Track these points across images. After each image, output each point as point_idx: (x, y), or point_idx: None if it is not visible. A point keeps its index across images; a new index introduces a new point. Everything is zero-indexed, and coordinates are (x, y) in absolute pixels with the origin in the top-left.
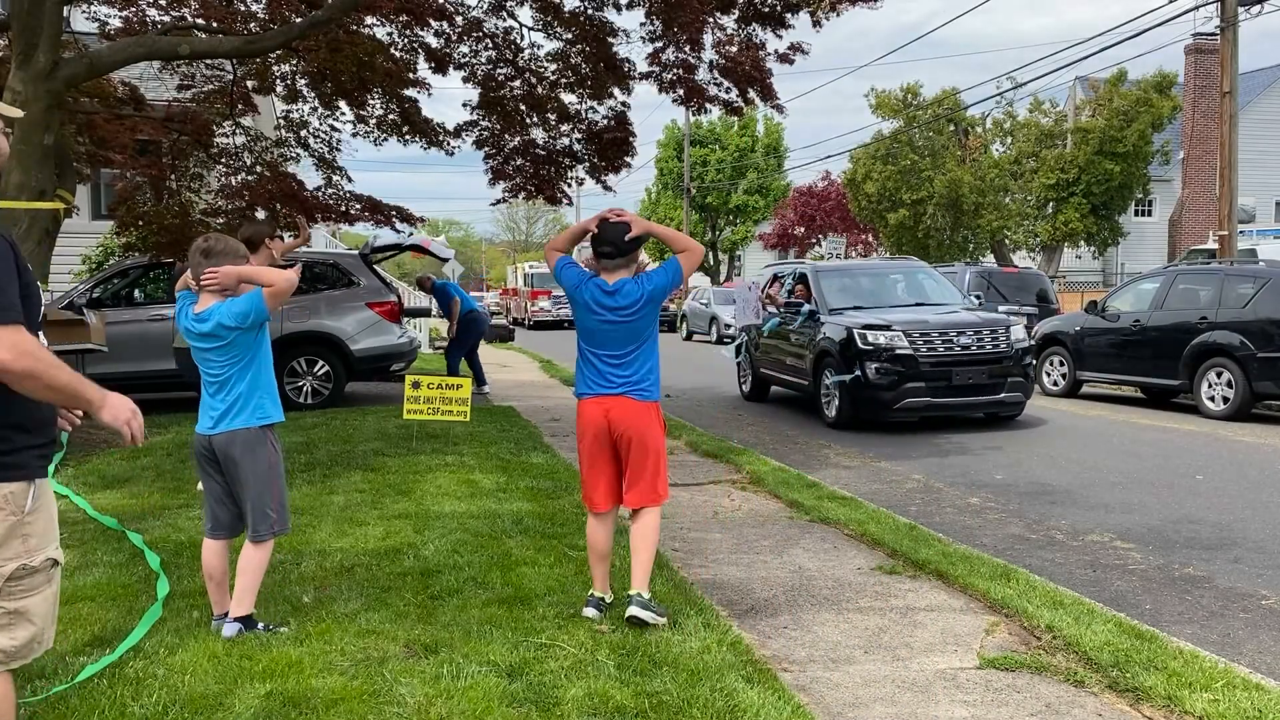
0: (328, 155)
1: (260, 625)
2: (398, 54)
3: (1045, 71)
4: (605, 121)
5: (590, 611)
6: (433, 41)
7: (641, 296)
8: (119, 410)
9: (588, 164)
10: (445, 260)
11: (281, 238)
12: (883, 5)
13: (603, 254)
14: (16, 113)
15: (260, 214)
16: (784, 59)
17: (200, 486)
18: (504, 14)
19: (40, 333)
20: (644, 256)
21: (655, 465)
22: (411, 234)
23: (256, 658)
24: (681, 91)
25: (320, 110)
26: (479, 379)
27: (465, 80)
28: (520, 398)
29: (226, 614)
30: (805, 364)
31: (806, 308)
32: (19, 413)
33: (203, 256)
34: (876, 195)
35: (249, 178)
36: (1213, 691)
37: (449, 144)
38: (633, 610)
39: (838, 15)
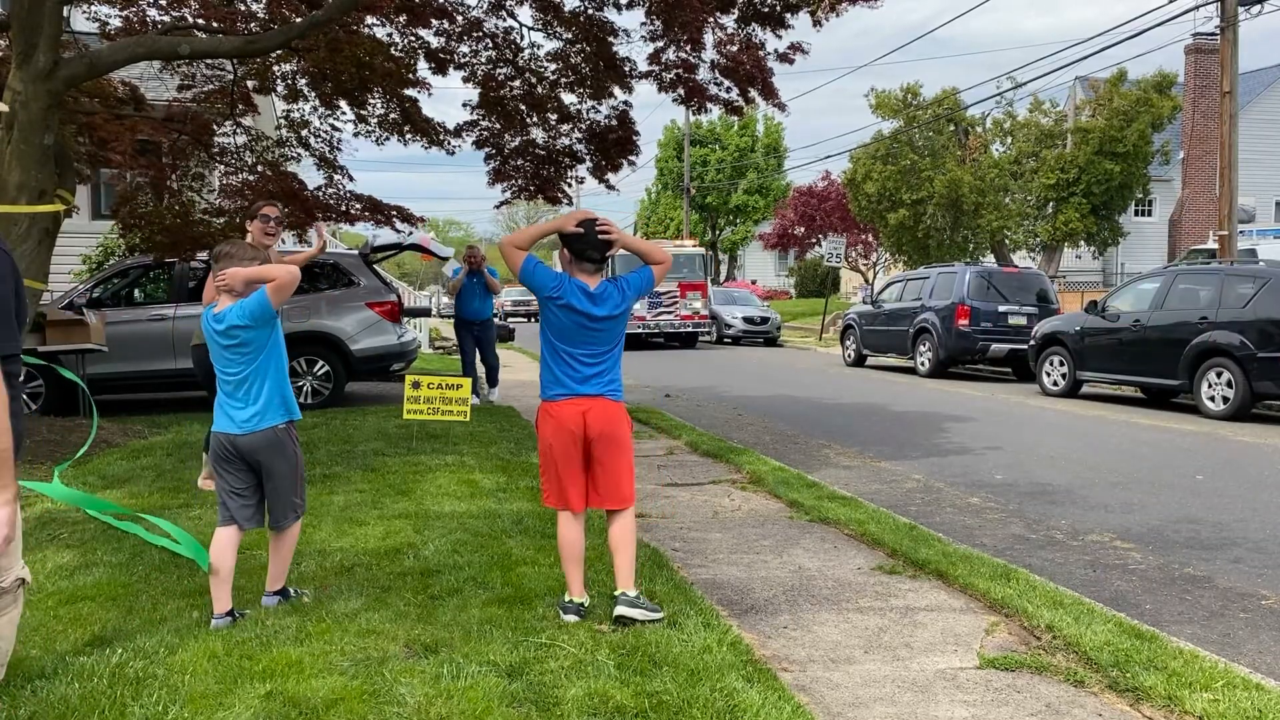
0: (329, 155)
1: (292, 591)
2: (398, 54)
3: (1045, 71)
4: (608, 121)
5: (571, 619)
6: (433, 41)
7: (624, 302)
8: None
9: (590, 163)
10: (445, 259)
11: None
12: (883, 5)
13: (589, 259)
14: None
15: None
16: (784, 59)
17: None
18: (504, 14)
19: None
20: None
21: (629, 466)
22: (411, 234)
23: (256, 658)
24: (682, 91)
25: (321, 110)
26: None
27: (465, 80)
28: (520, 398)
29: (228, 612)
30: None
31: None
32: None
33: (215, 261)
34: (876, 195)
35: (250, 177)
36: (1213, 691)
37: (449, 143)
38: (621, 610)
39: (838, 15)
